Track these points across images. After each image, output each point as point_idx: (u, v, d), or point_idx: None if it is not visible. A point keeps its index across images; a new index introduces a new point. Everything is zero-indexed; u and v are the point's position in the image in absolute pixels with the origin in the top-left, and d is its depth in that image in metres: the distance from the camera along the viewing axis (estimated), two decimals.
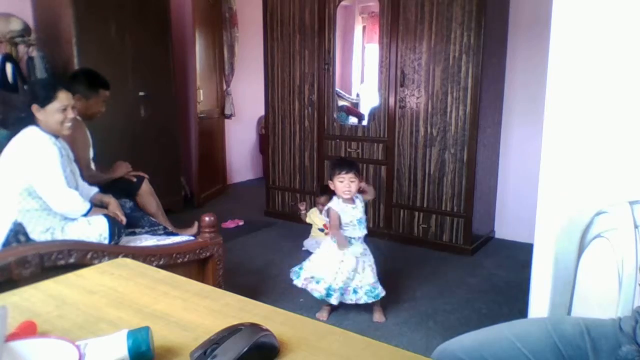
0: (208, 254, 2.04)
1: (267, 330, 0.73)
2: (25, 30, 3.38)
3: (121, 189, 2.62)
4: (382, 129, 3.54)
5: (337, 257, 2.30)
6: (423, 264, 3.15)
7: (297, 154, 4.02)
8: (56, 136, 2.08)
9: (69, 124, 2.08)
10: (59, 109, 2.03)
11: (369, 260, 2.36)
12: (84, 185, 2.28)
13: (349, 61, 4.92)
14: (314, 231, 3.43)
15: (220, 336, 0.71)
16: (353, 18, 4.92)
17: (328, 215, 2.34)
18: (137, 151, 3.61)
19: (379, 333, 2.26)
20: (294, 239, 3.54)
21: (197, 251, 2.00)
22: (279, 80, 4.01)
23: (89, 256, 1.66)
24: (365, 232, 2.35)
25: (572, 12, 1.57)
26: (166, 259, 1.87)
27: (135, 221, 2.38)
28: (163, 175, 3.74)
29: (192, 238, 2.22)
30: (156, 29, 3.94)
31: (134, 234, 2.31)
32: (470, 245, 3.32)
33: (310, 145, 3.92)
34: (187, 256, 1.95)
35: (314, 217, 3.43)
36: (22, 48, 3.37)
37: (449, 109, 3.25)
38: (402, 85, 3.41)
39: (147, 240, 2.19)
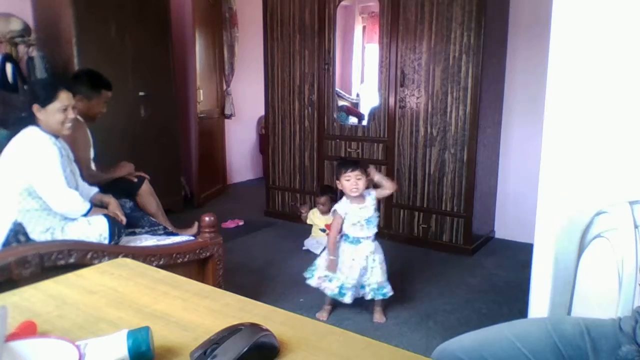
0: (208, 254, 2.04)
1: (267, 330, 0.73)
2: (25, 30, 3.38)
3: (121, 189, 2.62)
4: (382, 129, 3.54)
5: (349, 256, 2.30)
6: (423, 264, 3.15)
7: (297, 154, 4.02)
8: (56, 136, 2.08)
9: (69, 124, 2.08)
10: (60, 109, 2.03)
11: (379, 258, 2.34)
12: (84, 185, 2.28)
13: (349, 61, 4.91)
14: (315, 231, 3.43)
15: (220, 336, 0.71)
16: (353, 18, 4.91)
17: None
18: (137, 151, 3.60)
19: (379, 333, 2.26)
20: (294, 239, 3.54)
21: (197, 251, 2.00)
22: (279, 80, 4.01)
23: (89, 256, 1.67)
24: (375, 230, 2.34)
25: (572, 12, 1.57)
26: (166, 259, 1.87)
27: (135, 221, 2.38)
28: (163, 175, 3.73)
29: (192, 238, 2.22)
30: (156, 29, 3.94)
31: (134, 234, 2.31)
32: (470, 245, 3.32)
33: (310, 145, 3.92)
34: (187, 256, 1.95)
35: (315, 217, 3.43)
36: (22, 48, 3.37)
37: (449, 109, 3.25)
38: (402, 85, 3.41)
39: (147, 240, 2.19)
